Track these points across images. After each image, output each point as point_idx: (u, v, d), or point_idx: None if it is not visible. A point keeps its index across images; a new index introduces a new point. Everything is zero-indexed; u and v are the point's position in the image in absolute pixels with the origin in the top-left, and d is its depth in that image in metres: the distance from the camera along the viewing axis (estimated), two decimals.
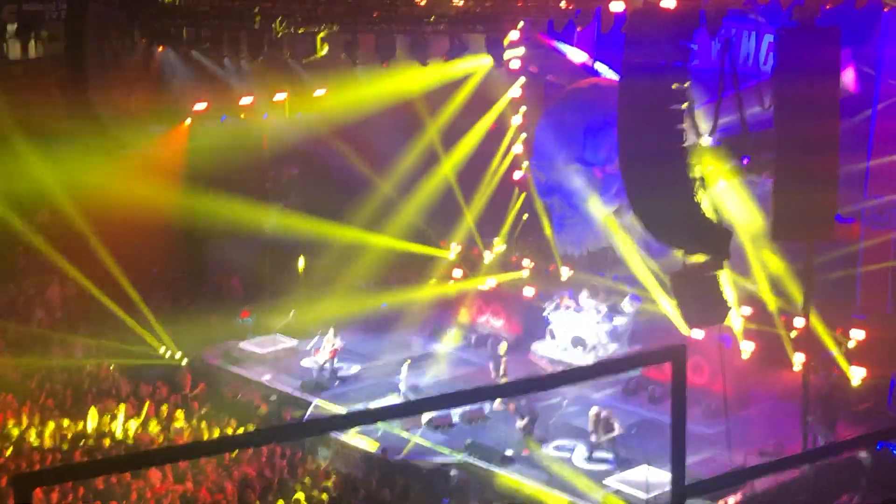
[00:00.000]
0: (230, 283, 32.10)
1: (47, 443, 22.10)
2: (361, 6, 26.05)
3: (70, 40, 29.71)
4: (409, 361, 26.47)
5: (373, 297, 31.59)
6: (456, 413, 24.28)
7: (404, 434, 23.56)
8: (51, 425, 22.66)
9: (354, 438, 23.39)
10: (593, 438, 22.56)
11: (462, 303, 30.17)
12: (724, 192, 23.16)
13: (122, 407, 23.67)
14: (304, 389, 26.20)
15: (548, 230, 29.77)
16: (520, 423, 23.23)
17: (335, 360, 27.09)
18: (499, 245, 31.40)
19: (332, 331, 27.06)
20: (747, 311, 25.20)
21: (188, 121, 31.38)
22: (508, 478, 21.86)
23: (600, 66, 27.67)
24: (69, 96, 30.49)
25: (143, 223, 29.60)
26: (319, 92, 31.63)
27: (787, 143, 20.03)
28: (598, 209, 26.78)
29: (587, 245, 27.36)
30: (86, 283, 28.53)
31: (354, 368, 27.70)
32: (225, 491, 19.97)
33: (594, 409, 22.99)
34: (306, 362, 27.70)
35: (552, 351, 27.35)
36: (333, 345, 26.99)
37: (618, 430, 22.45)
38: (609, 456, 22.25)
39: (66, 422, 23.05)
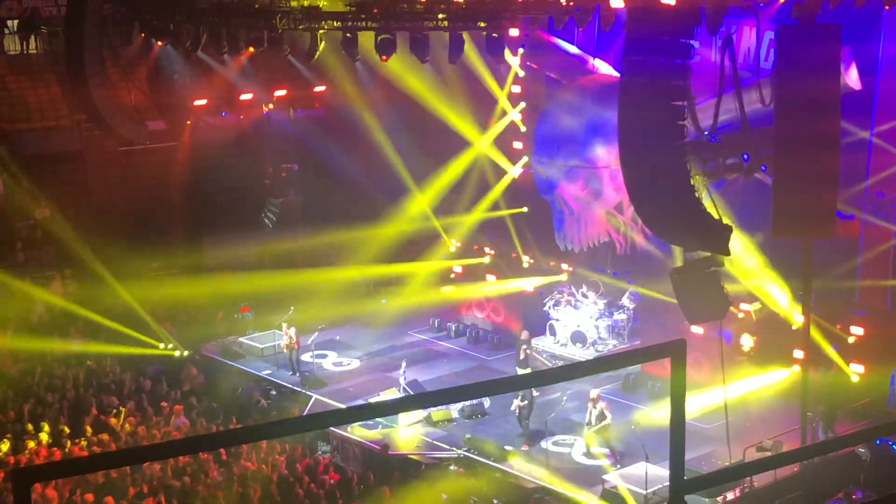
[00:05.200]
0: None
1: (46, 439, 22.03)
2: (361, 2, 26.00)
3: (69, 36, 29.69)
4: (408, 357, 26.52)
5: (372, 293, 31.61)
6: (455, 408, 24.30)
7: (404, 429, 23.59)
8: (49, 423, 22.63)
9: (354, 434, 23.41)
10: (586, 429, 22.60)
11: (462, 299, 30.14)
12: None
13: (122, 402, 23.66)
14: (304, 384, 26.20)
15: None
16: (518, 402, 23.21)
17: (297, 350, 27.04)
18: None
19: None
20: (747, 307, 25.19)
21: (188, 121, 31.37)
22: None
23: (600, 63, 27.61)
24: (69, 92, 30.50)
25: (143, 216, 29.61)
26: (319, 88, 31.64)
27: (787, 140, 19.98)
28: (599, 206, 26.73)
29: (587, 241, 27.32)
30: (87, 279, 28.51)
31: (354, 363, 27.73)
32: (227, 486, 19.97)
33: (595, 392, 23.09)
34: (304, 356, 27.75)
35: (552, 346, 27.39)
36: (290, 338, 26.96)
37: (609, 419, 22.52)
38: (607, 450, 22.28)
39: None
